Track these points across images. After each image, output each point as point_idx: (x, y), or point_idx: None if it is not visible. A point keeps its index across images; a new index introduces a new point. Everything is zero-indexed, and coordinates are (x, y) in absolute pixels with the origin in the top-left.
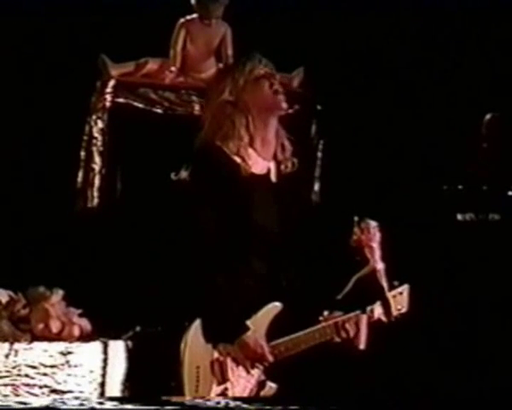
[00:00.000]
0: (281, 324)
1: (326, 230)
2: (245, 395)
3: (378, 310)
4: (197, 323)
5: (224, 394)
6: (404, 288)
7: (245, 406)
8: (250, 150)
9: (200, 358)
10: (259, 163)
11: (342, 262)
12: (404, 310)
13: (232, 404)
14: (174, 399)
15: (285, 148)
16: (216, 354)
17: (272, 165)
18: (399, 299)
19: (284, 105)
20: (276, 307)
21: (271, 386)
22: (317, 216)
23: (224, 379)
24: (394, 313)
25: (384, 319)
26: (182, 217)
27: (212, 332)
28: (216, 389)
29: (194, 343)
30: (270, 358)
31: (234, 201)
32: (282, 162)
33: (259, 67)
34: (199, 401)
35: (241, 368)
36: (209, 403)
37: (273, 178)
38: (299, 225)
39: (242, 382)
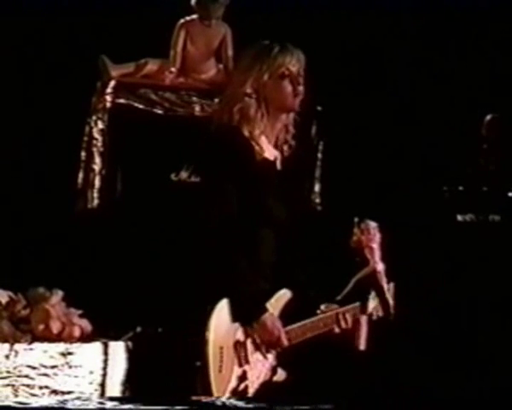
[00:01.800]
0: (288, 311)
1: (326, 231)
2: (260, 379)
3: (371, 304)
4: (223, 303)
5: (243, 377)
6: (390, 286)
7: (245, 405)
8: (262, 137)
9: (223, 338)
10: (269, 150)
11: (342, 263)
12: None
13: (229, 403)
14: (176, 399)
15: (288, 130)
16: (238, 336)
17: (278, 153)
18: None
19: (298, 107)
20: (286, 294)
21: (282, 373)
22: (317, 217)
23: (245, 361)
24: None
25: (379, 313)
26: (197, 201)
27: (236, 313)
28: (237, 371)
29: (219, 323)
30: (286, 341)
31: (249, 182)
32: (283, 144)
33: (289, 64)
34: (202, 399)
35: (258, 352)
36: (215, 403)
37: (278, 165)
38: (301, 216)
39: (259, 366)
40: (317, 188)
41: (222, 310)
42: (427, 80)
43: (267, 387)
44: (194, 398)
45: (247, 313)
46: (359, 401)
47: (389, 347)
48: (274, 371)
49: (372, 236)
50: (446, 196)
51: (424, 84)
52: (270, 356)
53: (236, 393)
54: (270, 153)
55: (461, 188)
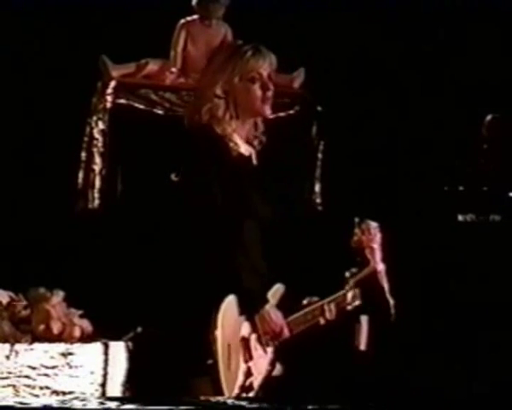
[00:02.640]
0: (283, 306)
1: (326, 231)
2: (261, 374)
3: (350, 294)
4: (229, 299)
5: (248, 373)
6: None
7: (248, 405)
8: (235, 134)
9: (230, 335)
10: (244, 146)
11: (343, 263)
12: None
13: (230, 403)
14: (177, 399)
15: (257, 126)
16: (243, 332)
17: (251, 149)
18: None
19: (268, 113)
20: (280, 288)
21: (279, 367)
22: (317, 217)
23: (249, 357)
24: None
25: (355, 303)
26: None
27: (241, 307)
28: (243, 367)
29: (227, 320)
30: (287, 332)
31: (228, 177)
32: (253, 140)
33: (260, 68)
34: (204, 401)
35: (260, 347)
36: (217, 403)
37: (254, 161)
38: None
39: (261, 361)
40: (317, 188)
41: (229, 306)
42: (428, 81)
43: (267, 382)
44: (193, 399)
45: (249, 307)
46: (360, 401)
47: (389, 347)
48: (273, 365)
49: (373, 236)
50: (447, 197)
51: (424, 84)
52: (270, 351)
53: (243, 389)
54: (244, 149)
55: (461, 188)
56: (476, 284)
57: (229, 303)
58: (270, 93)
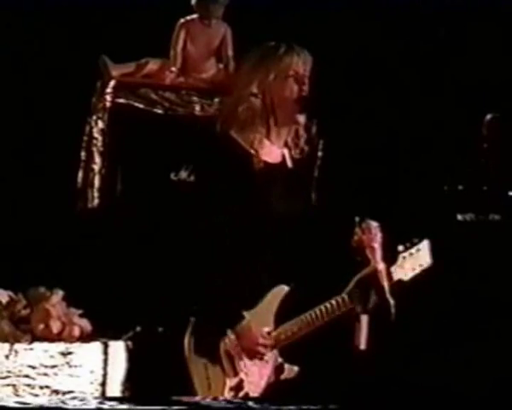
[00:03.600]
0: (286, 307)
1: (327, 230)
2: (263, 382)
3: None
4: (196, 320)
5: (240, 386)
6: (424, 244)
7: (251, 405)
8: (265, 140)
9: (205, 355)
10: (273, 152)
11: (343, 263)
12: (426, 264)
13: (231, 403)
14: (176, 399)
15: (299, 135)
16: (221, 348)
17: (286, 151)
18: (419, 255)
19: (303, 110)
20: (283, 289)
21: (291, 368)
22: (317, 217)
23: (235, 371)
24: (417, 269)
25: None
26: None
27: (214, 326)
28: (230, 383)
29: (196, 342)
30: (269, 344)
31: (246, 192)
32: (293, 149)
33: (295, 65)
34: (203, 401)
35: (247, 358)
36: (215, 403)
37: (289, 164)
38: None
39: (256, 370)
40: (317, 188)
41: (197, 328)
42: (428, 81)
43: (277, 387)
44: (192, 399)
45: (224, 323)
46: (360, 401)
47: (389, 347)
48: (280, 370)
49: (373, 235)
50: (446, 196)
51: (425, 84)
52: (270, 356)
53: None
54: (272, 156)
55: (461, 187)
56: (476, 284)
57: (197, 324)
58: (305, 90)
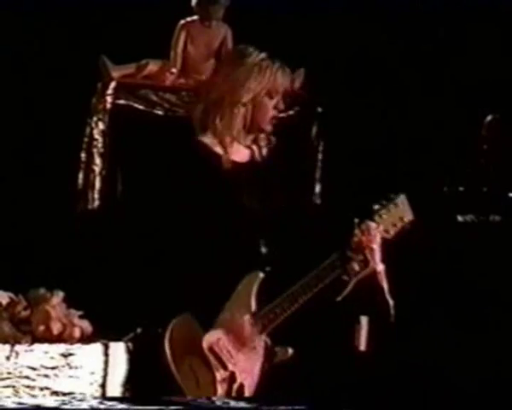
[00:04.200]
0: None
1: (326, 231)
2: (256, 369)
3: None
4: (173, 323)
5: (232, 378)
6: (401, 198)
7: (248, 405)
8: (235, 143)
9: (188, 354)
10: (241, 152)
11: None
12: (407, 218)
13: (233, 404)
14: (176, 399)
15: (265, 129)
16: (204, 344)
17: (256, 148)
18: (398, 210)
19: (269, 128)
20: (257, 274)
21: (284, 350)
22: (317, 218)
23: (223, 365)
24: (398, 224)
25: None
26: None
27: (193, 325)
28: (221, 377)
29: (177, 343)
30: (255, 329)
31: (218, 191)
32: (260, 140)
33: (286, 84)
34: (202, 400)
35: (235, 349)
36: (212, 403)
37: (254, 164)
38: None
39: (246, 359)
40: (317, 189)
41: (176, 329)
42: (428, 82)
43: (273, 371)
44: (197, 398)
45: (205, 318)
46: (360, 401)
47: (389, 347)
48: (271, 354)
49: (372, 237)
50: (447, 197)
51: (424, 85)
52: (258, 342)
53: (232, 393)
54: (241, 155)
55: (461, 188)
56: (476, 284)
57: (176, 324)
58: (283, 106)
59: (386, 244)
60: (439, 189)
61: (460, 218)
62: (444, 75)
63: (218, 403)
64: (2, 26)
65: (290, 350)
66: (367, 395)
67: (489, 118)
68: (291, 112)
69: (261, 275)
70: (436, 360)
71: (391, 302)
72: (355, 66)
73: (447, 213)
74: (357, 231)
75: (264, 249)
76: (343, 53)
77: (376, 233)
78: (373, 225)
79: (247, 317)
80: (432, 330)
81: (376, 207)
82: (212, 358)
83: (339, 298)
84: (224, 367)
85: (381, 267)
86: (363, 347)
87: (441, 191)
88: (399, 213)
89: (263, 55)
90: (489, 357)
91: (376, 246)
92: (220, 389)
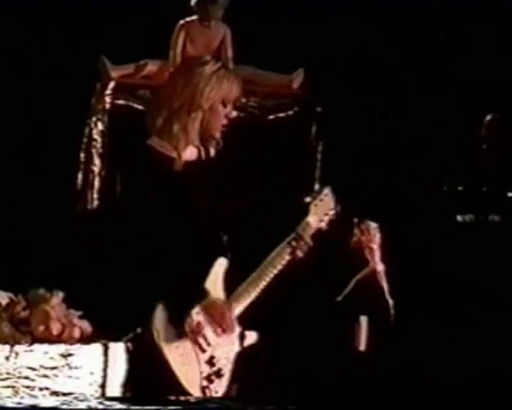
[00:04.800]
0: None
1: (326, 231)
2: (232, 353)
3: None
4: (158, 308)
5: (211, 362)
6: (326, 192)
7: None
8: (188, 147)
9: (173, 337)
10: (192, 152)
11: (342, 264)
12: (332, 212)
13: (234, 404)
14: (175, 399)
15: (215, 136)
16: (186, 328)
17: (202, 148)
18: (324, 203)
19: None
20: (222, 261)
21: (251, 334)
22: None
23: (202, 349)
24: (324, 219)
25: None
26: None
27: (176, 313)
28: (203, 357)
29: (163, 326)
30: (232, 314)
31: (168, 191)
32: (210, 143)
33: (238, 93)
34: (201, 400)
35: (217, 335)
36: (211, 403)
37: (203, 158)
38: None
39: (221, 341)
40: (316, 188)
41: (159, 313)
42: (427, 82)
43: (241, 356)
44: (189, 398)
45: (186, 302)
46: (360, 400)
47: (389, 347)
48: (242, 337)
49: (372, 236)
50: (446, 197)
51: (424, 85)
52: (235, 334)
53: (210, 379)
54: (191, 154)
55: (460, 188)
56: (476, 284)
57: (159, 310)
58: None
59: (320, 235)
60: (439, 189)
61: (460, 218)
62: (444, 75)
63: (218, 403)
64: (2, 26)
65: (254, 334)
66: (367, 395)
67: (489, 118)
68: (290, 112)
69: (225, 261)
70: (436, 360)
71: (390, 302)
72: (354, 66)
73: (447, 212)
74: (356, 231)
75: (222, 239)
76: (343, 53)
77: (376, 233)
78: (372, 224)
79: (220, 301)
80: (431, 329)
81: (308, 199)
82: (193, 341)
83: (339, 298)
84: (203, 350)
85: (380, 267)
86: (362, 347)
87: (441, 191)
88: (327, 204)
89: (219, 64)
90: (489, 357)
91: (376, 246)
92: (204, 373)
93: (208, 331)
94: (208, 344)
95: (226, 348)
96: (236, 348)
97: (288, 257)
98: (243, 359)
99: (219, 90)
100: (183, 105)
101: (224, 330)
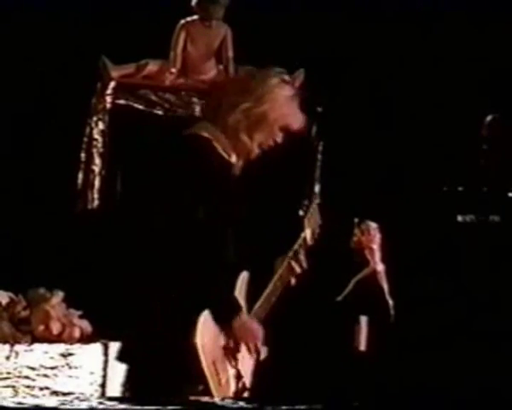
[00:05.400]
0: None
1: (326, 232)
2: (251, 369)
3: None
4: (203, 318)
5: (239, 376)
6: (314, 206)
7: (249, 405)
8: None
9: (213, 352)
10: (233, 155)
11: (342, 264)
12: (320, 224)
13: (235, 404)
14: (175, 399)
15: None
16: (222, 342)
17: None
18: (315, 218)
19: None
20: (245, 276)
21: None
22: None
23: (236, 362)
24: (318, 230)
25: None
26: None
27: (216, 319)
28: (232, 373)
29: (206, 340)
30: (261, 346)
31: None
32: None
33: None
34: (201, 400)
35: (243, 350)
36: (213, 403)
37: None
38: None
39: (245, 357)
40: (316, 189)
41: (205, 326)
42: (428, 81)
43: (274, 371)
44: (191, 398)
45: (224, 316)
46: (360, 401)
47: (389, 347)
48: (259, 362)
49: (372, 236)
50: (446, 197)
51: (424, 85)
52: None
53: (238, 393)
54: (233, 157)
55: (461, 188)
56: (476, 284)
57: (205, 321)
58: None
59: (309, 250)
60: (439, 189)
61: (460, 218)
62: (444, 75)
63: (219, 403)
64: (2, 26)
65: (266, 349)
66: (367, 395)
67: (489, 118)
68: None
69: (247, 275)
70: (436, 359)
71: (390, 303)
72: (355, 66)
73: (447, 212)
74: (356, 231)
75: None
76: (343, 53)
77: (376, 233)
78: (373, 224)
79: (244, 316)
80: (431, 330)
81: (302, 213)
82: (228, 355)
83: (339, 298)
84: (234, 366)
85: (380, 267)
86: (362, 347)
87: (442, 191)
88: (316, 219)
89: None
90: (488, 356)
91: (376, 246)
92: (232, 389)
93: (234, 346)
94: (234, 359)
95: (248, 361)
96: (257, 363)
97: (289, 274)
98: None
99: (294, 117)
100: (265, 114)
101: (243, 345)
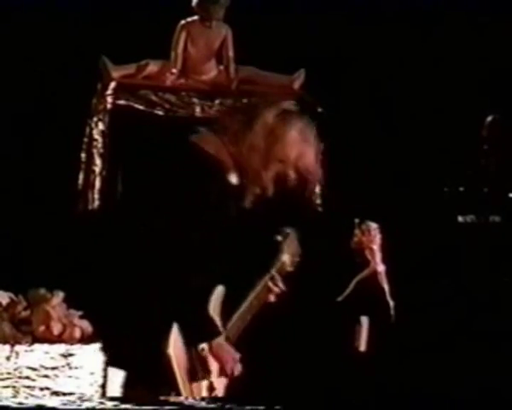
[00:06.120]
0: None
1: (327, 232)
2: (224, 383)
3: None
4: (174, 330)
5: (212, 388)
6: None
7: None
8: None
9: (184, 360)
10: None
11: (343, 264)
12: (298, 252)
13: (229, 405)
14: (174, 399)
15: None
16: (195, 354)
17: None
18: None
19: None
20: (221, 291)
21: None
22: (318, 219)
23: (203, 375)
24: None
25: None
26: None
27: (189, 334)
28: (203, 385)
29: (177, 348)
30: (236, 370)
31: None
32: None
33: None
34: (197, 401)
35: (217, 367)
36: (208, 404)
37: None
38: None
39: (220, 370)
40: (317, 189)
41: (177, 337)
42: (428, 82)
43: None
44: (193, 398)
45: (199, 335)
46: (361, 401)
47: (390, 348)
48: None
49: (373, 237)
50: (447, 197)
51: (424, 85)
52: (229, 355)
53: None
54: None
55: (461, 189)
56: (476, 284)
57: (175, 337)
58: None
59: (288, 277)
60: (440, 189)
61: (460, 218)
62: (444, 75)
63: (214, 404)
64: (2, 26)
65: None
66: (367, 396)
67: (489, 118)
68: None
69: (222, 290)
70: (435, 359)
71: (391, 303)
72: (355, 66)
73: (448, 213)
74: (357, 232)
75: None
76: (343, 53)
77: (376, 233)
78: (373, 225)
79: (221, 338)
80: (432, 330)
81: (279, 239)
82: (200, 365)
83: (340, 298)
84: (204, 378)
85: (381, 268)
86: (363, 347)
87: (442, 192)
88: (295, 245)
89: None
90: (489, 357)
91: (376, 246)
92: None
93: (208, 358)
94: (207, 370)
95: (223, 375)
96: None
97: (266, 295)
98: (242, 360)
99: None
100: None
101: (218, 359)
